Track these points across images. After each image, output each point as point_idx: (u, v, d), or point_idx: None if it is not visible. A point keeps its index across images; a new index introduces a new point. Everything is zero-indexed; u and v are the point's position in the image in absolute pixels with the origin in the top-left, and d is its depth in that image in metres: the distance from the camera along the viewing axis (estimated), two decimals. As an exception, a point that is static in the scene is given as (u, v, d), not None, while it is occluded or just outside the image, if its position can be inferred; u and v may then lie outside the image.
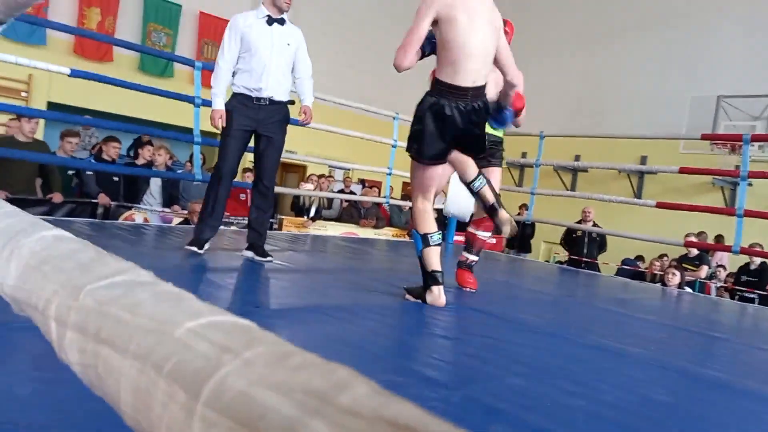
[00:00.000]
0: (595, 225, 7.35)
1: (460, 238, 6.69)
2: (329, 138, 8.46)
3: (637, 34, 10.11)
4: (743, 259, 6.55)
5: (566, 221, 7.30)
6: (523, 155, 10.52)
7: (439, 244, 2.43)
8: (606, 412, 1.40)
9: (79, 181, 5.04)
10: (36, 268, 0.36)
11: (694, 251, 6.75)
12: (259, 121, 2.96)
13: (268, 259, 3.00)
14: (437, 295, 2.34)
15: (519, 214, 8.23)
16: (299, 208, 7.35)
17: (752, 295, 6.19)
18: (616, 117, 9.81)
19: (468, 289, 2.88)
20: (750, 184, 4.46)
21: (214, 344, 0.21)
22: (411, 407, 0.15)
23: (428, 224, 2.41)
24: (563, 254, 8.13)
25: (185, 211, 5.30)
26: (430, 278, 2.36)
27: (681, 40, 9.53)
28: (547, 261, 9.30)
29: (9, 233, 0.49)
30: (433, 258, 2.37)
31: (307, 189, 7.47)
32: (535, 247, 9.53)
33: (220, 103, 2.89)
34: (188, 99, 4.02)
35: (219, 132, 2.95)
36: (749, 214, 4.14)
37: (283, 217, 7.13)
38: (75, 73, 3.57)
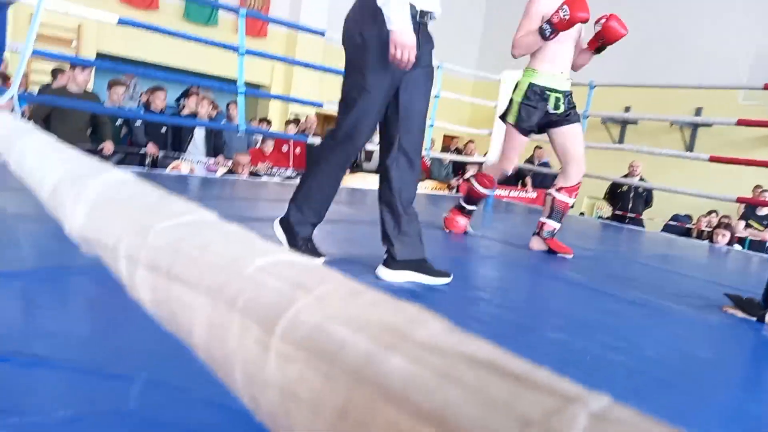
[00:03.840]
0: (642, 180, 7.12)
1: (500, 192, 6.60)
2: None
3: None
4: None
5: (611, 175, 7.09)
6: (570, 107, 10.15)
7: None
8: (647, 368, 1.39)
9: (129, 131, 5.17)
10: (104, 208, 0.38)
11: (763, 210, 6.43)
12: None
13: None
14: None
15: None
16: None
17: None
18: (672, 66, 9.29)
19: (565, 255, 2.84)
20: (814, 139, 4.20)
21: (285, 281, 0.21)
22: (487, 345, 0.16)
23: None
24: (607, 210, 7.94)
25: (230, 161, 5.40)
26: None
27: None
28: (583, 214, 9.11)
29: (74, 176, 0.51)
30: None
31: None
32: (578, 202, 9.33)
33: (409, 25, 1.60)
34: (232, 48, 4.02)
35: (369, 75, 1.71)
36: (812, 170, 3.92)
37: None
38: (122, 21, 3.60)
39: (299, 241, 1.92)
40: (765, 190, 6.92)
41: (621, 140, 10.15)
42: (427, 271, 1.84)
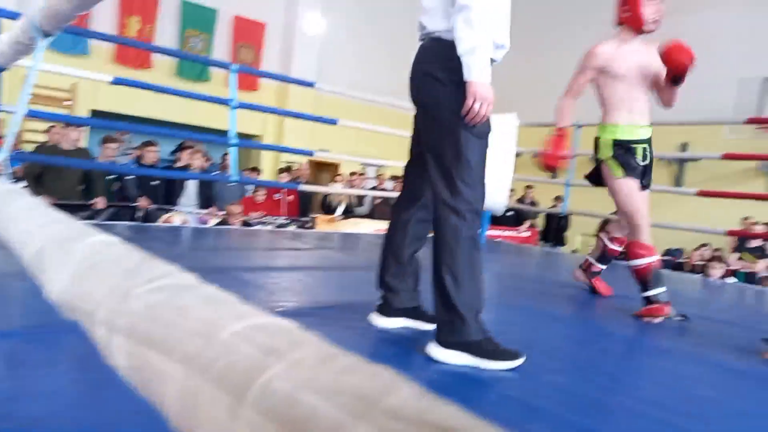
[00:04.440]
0: (633, 216, 7.16)
1: (493, 233, 6.62)
2: (362, 135, 8.51)
3: (679, 17, 9.77)
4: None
5: (602, 212, 7.14)
6: (558, 147, 10.32)
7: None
8: (647, 410, 1.37)
9: (120, 186, 5.19)
10: (84, 273, 0.38)
11: (754, 242, 6.47)
12: None
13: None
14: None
15: (554, 206, 8.09)
16: (327, 206, 7.43)
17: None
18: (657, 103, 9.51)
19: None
20: (799, 170, 4.27)
21: (259, 347, 0.21)
22: (455, 410, 0.15)
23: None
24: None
25: (222, 212, 5.41)
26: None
27: (724, 20, 9.18)
28: (576, 251, 9.12)
29: (59, 239, 0.51)
30: None
31: (335, 188, 7.54)
32: (571, 239, 9.35)
33: (489, 78, 1.54)
34: (224, 101, 4.09)
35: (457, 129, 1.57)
36: (798, 200, 3.97)
37: (315, 215, 7.21)
38: (117, 81, 3.67)
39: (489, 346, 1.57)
40: (755, 222, 6.98)
41: (610, 177, 10.27)
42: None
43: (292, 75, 9.75)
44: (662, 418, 1.32)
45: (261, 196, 6.73)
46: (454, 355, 1.55)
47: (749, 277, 6.21)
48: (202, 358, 0.22)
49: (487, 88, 1.50)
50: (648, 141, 2.56)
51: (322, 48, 10.73)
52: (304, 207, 7.70)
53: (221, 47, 9.63)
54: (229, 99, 3.98)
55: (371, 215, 7.79)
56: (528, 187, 8.53)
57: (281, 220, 6.78)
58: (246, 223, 5.48)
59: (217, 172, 6.65)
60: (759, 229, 6.63)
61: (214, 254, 3.29)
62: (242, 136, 4.40)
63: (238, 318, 0.24)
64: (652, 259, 2.54)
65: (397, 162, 6.46)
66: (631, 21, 2.44)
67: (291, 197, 7.48)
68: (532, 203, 8.32)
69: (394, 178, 10.21)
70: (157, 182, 5.28)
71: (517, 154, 4.88)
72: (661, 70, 2.42)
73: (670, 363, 1.83)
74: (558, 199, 8.19)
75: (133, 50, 8.41)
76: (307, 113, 7.52)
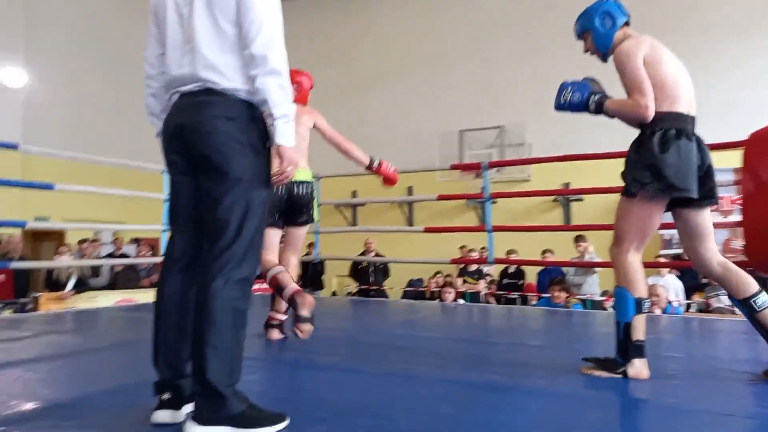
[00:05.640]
0: (377, 254, 7.84)
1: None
2: (89, 197, 7.58)
3: (391, 79, 11.24)
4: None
5: (351, 255, 7.65)
6: (304, 196, 10.74)
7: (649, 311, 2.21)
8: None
9: None
10: None
11: (473, 266, 7.57)
12: None
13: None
14: (640, 368, 2.09)
15: (307, 253, 8.36)
16: (54, 282, 6.36)
17: (514, 296, 7.18)
18: (382, 154, 10.65)
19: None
20: (494, 202, 5.24)
21: None
22: None
23: (643, 285, 2.15)
24: (354, 285, 8.48)
25: None
26: (634, 350, 2.10)
27: (427, 83, 10.87)
28: (335, 294, 9.58)
29: None
30: (641, 327, 2.10)
31: (62, 260, 6.54)
32: (328, 282, 9.75)
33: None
34: None
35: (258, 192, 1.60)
36: (497, 228, 4.86)
37: (39, 294, 6.11)
38: None
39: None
40: (471, 249, 8.27)
41: (354, 222, 11.10)
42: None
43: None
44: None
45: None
46: (216, 430, 1.43)
47: (474, 296, 7.29)
48: None
49: (294, 151, 1.59)
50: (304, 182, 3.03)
51: (26, 104, 9.32)
52: (20, 286, 6.47)
53: None
54: None
55: (112, 285, 6.94)
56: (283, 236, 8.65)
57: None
58: (-65, 318, 4.35)
59: None
60: (474, 255, 7.86)
61: None
62: None
63: None
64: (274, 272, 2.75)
65: (137, 225, 5.93)
66: (298, 97, 2.98)
67: (2, 276, 6.23)
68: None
69: (135, 240, 9.31)
70: None
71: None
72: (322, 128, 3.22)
73: (420, 387, 2.01)
74: (311, 245, 8.49)
75: None
76: (12, 179, 6.40)
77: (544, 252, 6.72)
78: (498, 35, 10.14)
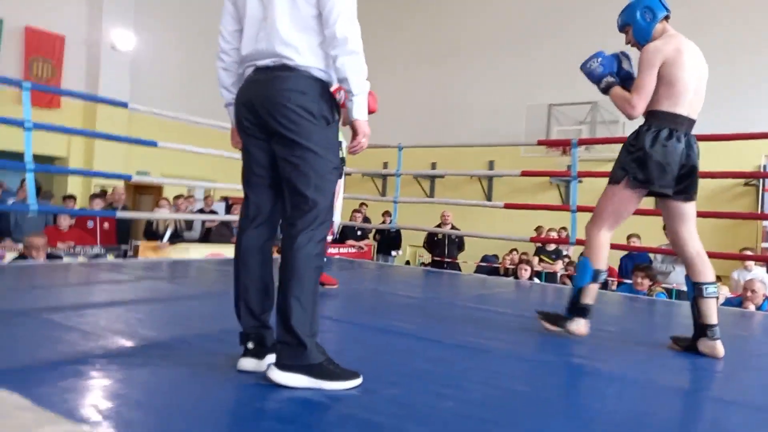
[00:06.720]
0: (453, 227, 7.81)
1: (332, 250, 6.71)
2: (185, 155, 8.05)
3: (476, 51, 10.96)
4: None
5: (427, 226, 7.68)
6: (385, 165, 10.87)
7: (602, 284, 2.54)
8: (473, 411, 1.50)
9: None
10: None
11: (551, 246, 7.40)
12: None
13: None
14: (580, 326, 2.43)
15: (383, 221, 8.48)
16: (152, 233, 6.87)
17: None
18: (464, 127, 10.54)
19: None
20: (581, 182, 5.04)
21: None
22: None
23: (604, 260, 2.45)
24: (427, 256, 8.53)
25: (20, 244, 4.72)
26: (579, 311, 2.44)
27: (516, 55, 10.51)
28: (408, 263, 9.68)
29: None
30: (592, 294, 2.44)
31: (160, 213, 7.02)
32: (403, 251, 9.87)
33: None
34: (16, 123, 3.58)
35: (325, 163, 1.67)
36: (582, 209, 4.68)
37: (139, 242, 6.63)
38: None
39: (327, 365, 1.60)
40: (551, 229, 8.05)
41: (432, 194, 11.09)
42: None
43: (100, 93, 8.89)
44: (485, 418, 1.45)
45: (64, 223, 6.02)
46: (295, 377, 1.55)
47: (549, 277, 7.12)
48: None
49: (367, 125, 1.73)
50: None
51: (134, 65, 9.95)
52: (123, 234, 7.04)
53: (10, 61, 8.46)
54: (23, 120, 3.51)
55: (204, 239, 7.39)
56: (362, 204, 8.84)
57: (96, 249, 6.13)
58: (52, 256, 4.84)
59: (12, 200, 5.79)
60: (552, 235, 7.64)
61: (14, 294, 2.85)
62: (42, 159, 3.89)
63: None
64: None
65: (227, 184, 6.23)
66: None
67: (106, 224, 6.80)
68: (366, 219, 8.63)
69: (225, 199, 9.82)
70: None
71: (347, 174, 5.03)
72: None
73: (494, 362, 2.03)
74: (387, 214, 8.60)
75: None
76: (120, 134, 6.91)
77: (629, 237, 6.41)
78: (594, 5, 9.58)
